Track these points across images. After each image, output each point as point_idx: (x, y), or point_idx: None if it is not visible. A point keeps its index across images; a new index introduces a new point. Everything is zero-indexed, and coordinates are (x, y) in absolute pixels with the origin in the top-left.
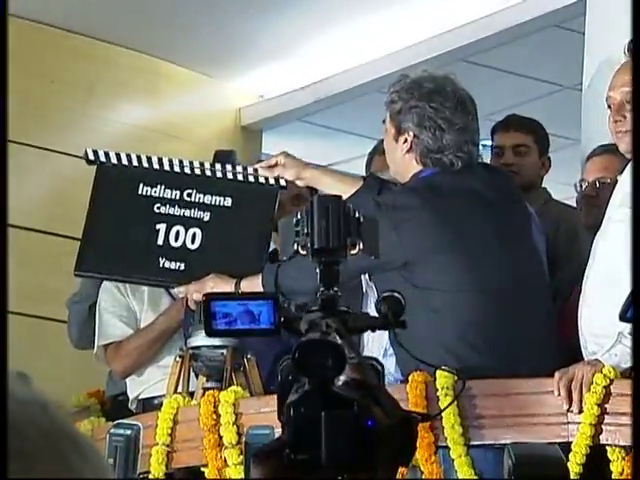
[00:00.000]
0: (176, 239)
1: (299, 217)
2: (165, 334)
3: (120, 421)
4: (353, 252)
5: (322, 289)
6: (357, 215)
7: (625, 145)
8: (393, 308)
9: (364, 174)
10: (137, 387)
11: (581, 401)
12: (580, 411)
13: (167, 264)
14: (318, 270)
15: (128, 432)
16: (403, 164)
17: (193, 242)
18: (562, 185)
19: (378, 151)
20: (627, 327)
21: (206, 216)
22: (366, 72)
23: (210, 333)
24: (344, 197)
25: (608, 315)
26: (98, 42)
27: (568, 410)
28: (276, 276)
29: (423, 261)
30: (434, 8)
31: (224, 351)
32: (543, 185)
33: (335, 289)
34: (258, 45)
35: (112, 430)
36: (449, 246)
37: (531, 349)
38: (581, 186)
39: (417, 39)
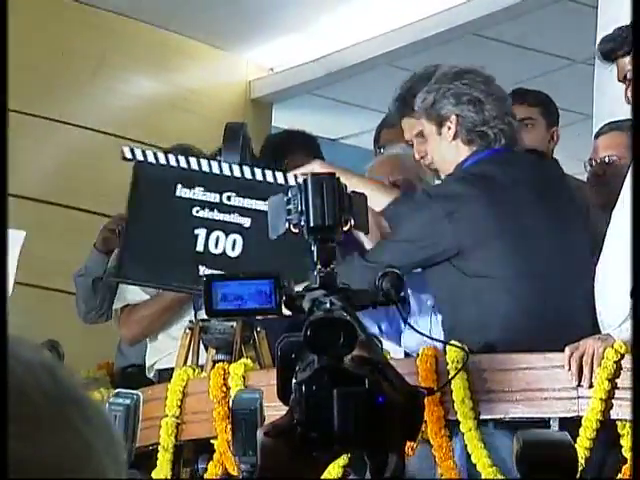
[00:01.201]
0: (216, 245)
1: (290, 195)
2: (175, 303)
3: (119, 390)
4: (345, 229)
5: (319, 267)
6: (348, 191)
7: None
8: (394, 284)
9: (373, 147)
10: (154, 355)
11: (592, 376)
12: (590, 386)
13: (207, 272)
14: (314, 248)
15: (127, 401)
16: (451, 154)
17: (233, 249)
18: (574, 160)
19: (386, 124)
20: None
21: (246, 222)
22: (376, 45)
23: (211, 314)
24: (382, 207)
25: (620, 291)
26: (108, 14)
27: (578, 385)
28: None
29: (475, 250)
30: None
31: (234, 324)
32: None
33: (332, 266)
34: (269, 18)
35: (111, 399)
36: (500, 234)
37: (581, 335)
38: (591, 165)
39: (428, 12)
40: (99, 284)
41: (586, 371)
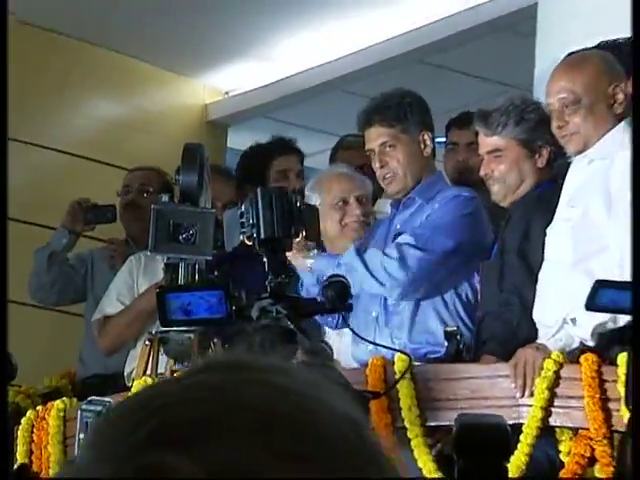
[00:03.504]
0: None
1: (243, 209)
2: (142, 314)
3: (92, 398)
4: (297, 240)
5: (270, 277)
6: (299, 204)
7: (573, 146)
8: (339, 292)
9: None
10: (132, 363)
11: (532, 385)
12: (531, 394)
13: None
14: (265, 259)
15: (99, 408)
16: (534, 178)
17: None
18: None
19: (343, 145)
20: (570, 314)
21: None
22: (327, 71)
23: (165, 324)
24: None
25: (555, 304)
26: (72, 40)
27: (522, 395)
28: None
29: None
30: (391, 12)
31: (192, 335)
32: None
33: (283, 276)
34: (224, 44)
35: (83, 406)
36: None
37: None
38: None
39: (377, 39)
40: (56, 261)
41: (528, 381)
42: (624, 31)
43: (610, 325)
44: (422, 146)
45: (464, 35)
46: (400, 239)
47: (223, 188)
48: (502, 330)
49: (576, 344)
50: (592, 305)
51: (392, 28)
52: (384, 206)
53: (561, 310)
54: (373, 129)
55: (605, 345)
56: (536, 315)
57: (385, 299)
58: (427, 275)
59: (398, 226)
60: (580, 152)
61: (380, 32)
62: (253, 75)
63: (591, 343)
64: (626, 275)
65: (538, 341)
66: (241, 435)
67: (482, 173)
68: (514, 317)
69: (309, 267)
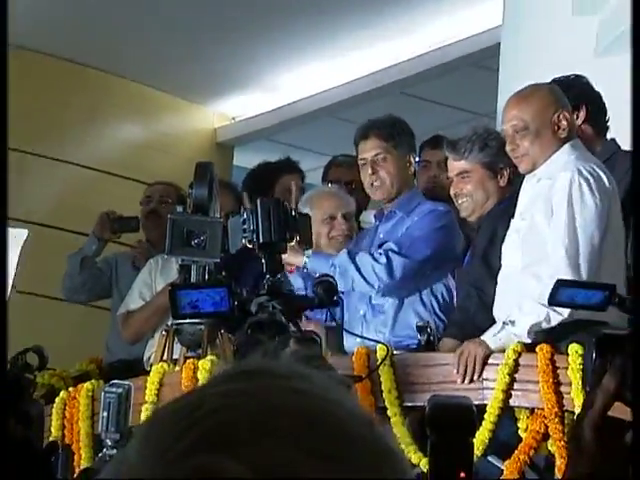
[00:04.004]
0: None
1: (245, 217)
2: (160, 309)
3: (114, 381)
4: (291, 244)
5: (268, 276)
6: (293, 213)
7: (523, 166)
8: (327, 289)
9: (321, 182)
10: (150, 349)
11: (474, 373)
12: (471, 380)
13: None
14: (264, 260)
15: (120, 390)
16: (497, 195)
17: None
18: None
19: (334, 163)
20: (511, 316)
21: None
22: (323, 99)
23: (176, 317)
24: None
25: (503, 306)
26: (101, 72)
27: (463, 380)
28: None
29: None
30: (376, 49)
31: (202, 327)
32: None
33: (278, 276)
34: (232, 75)
35: (106, 388)
36: None
37: None
38: None
39: (363, 73)
40: (87, 264)
41: (469, 369)
42: (576, 68)
43: (544, 325)
44: (408, 164)
45: (438, 69)
46: (385, 246)
47: (227, 200)
48: (460, 317)
49: (514, 342)
50: (553, 301)
51: (376, 63)
52: (369, 217)
53: (504, 313)
54: (369, 141)
55: (544, 341)
56: (495, 312)
57: (371, 300)
58: (408, 278)
59: (381, 235)
60: (530, 171)
61: (367, 66)
62: (257, 102)
63: (528, 340)
64: None
65: (482, 337)
66: (276, 437)
67: (452, 192)
68: (471, 306)
69: (305, 265)
